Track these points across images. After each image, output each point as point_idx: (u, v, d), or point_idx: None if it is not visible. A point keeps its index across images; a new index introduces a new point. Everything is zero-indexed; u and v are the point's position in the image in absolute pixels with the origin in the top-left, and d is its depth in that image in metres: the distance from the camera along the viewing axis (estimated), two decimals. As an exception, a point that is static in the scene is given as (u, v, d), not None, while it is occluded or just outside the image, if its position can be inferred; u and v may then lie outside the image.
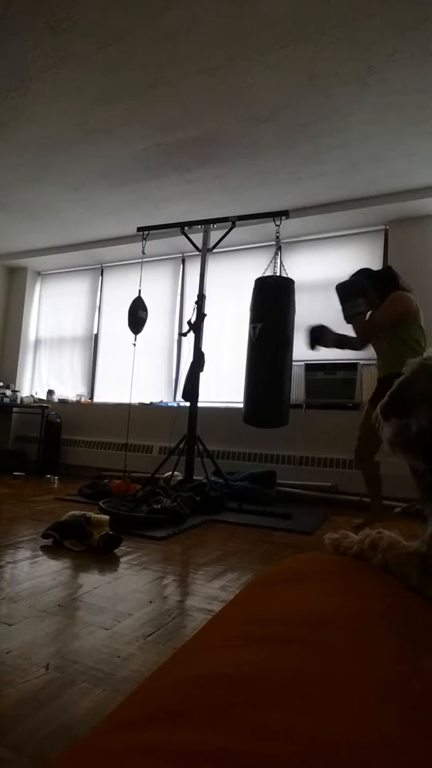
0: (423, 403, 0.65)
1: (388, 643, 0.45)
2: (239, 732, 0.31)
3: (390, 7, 2.28)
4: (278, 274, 3.82)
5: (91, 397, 5.77)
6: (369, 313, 2.91)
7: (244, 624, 0.52)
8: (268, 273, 3.83)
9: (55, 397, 5.74)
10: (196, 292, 4.06)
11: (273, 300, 3.66)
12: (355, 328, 2.86)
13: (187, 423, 3.85)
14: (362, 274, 2.97)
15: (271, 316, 3.64)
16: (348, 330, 2.99)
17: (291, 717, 0.32)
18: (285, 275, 3.79)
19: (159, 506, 2.92)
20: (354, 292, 2.84)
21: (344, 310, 2.87)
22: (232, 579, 1.87)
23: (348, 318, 2.87)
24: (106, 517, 2.39)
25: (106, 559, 2.08)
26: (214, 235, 4.15)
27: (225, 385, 4.89)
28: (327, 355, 4.33)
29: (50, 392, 5.78)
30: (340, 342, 3.02)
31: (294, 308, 3.71)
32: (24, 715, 0.92)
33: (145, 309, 4.21)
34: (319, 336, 2.97)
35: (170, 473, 3.72)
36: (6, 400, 5.58)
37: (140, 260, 4.84)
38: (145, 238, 4.30)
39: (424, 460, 0.68)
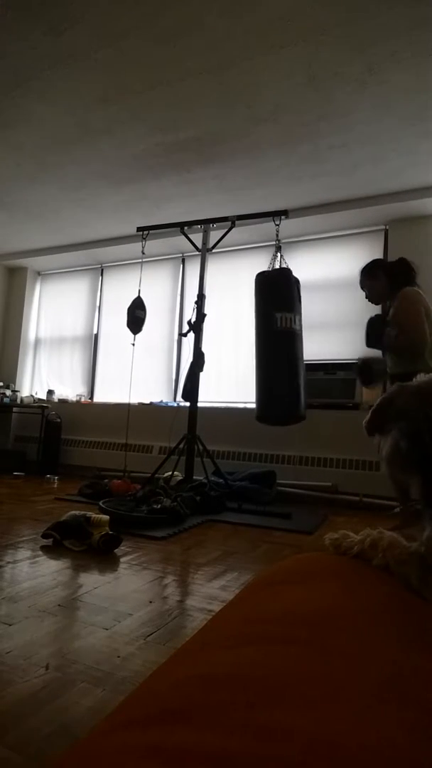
0: (400, 419, 0.72)
1: (388, 643, 0.45)
2: (239, 732, 0.31)
3: (390, 7, 2.28)
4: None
5: (91, 397, 5.77)
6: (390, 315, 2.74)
7: (244, 624, 0.52)
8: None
9: (55, 397, 5.74)
10: (196, 292, 4.06)
11: (283, 291, 3.57)
12: (399, 351, 2.67)
13: (186, 423, 3.85)
14: (373, 271, 2.85)
15: (286, 307, 3.51)
16: None
17: (291, 717, 0.32)
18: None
19: (159, 506, 2.92)
20: (377, 327, 2.71)
21: (382, 346, 2.73)
22: (232, 579, 1.87)
23: (390, 349, 2.70)
24: (106, 517, 2.39)
25: (106, 559, 2.08)
26: (214, 235, 4.15)
27: (225, 385, 4.89)
28: (327, 355, 4.35)
29: (50, 392, 5.78)
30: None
31: (300, 299, 3.67)
32: (24, 715, 0.92)
33: (143, 308, 4.20)
34: (371, 372, 2.71)
35: (170, 473, 3.72)
36: (6, 400, 5.58)
37: (140, 260, 4.84)
38: (144, 238, 4.30)
39: (418, 471, 0.70)
